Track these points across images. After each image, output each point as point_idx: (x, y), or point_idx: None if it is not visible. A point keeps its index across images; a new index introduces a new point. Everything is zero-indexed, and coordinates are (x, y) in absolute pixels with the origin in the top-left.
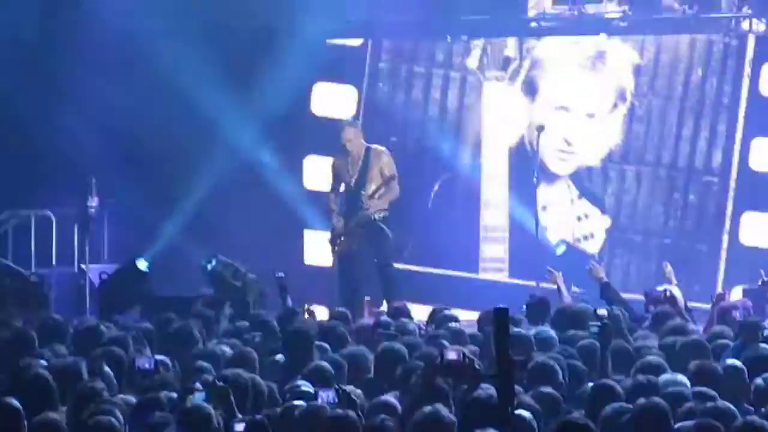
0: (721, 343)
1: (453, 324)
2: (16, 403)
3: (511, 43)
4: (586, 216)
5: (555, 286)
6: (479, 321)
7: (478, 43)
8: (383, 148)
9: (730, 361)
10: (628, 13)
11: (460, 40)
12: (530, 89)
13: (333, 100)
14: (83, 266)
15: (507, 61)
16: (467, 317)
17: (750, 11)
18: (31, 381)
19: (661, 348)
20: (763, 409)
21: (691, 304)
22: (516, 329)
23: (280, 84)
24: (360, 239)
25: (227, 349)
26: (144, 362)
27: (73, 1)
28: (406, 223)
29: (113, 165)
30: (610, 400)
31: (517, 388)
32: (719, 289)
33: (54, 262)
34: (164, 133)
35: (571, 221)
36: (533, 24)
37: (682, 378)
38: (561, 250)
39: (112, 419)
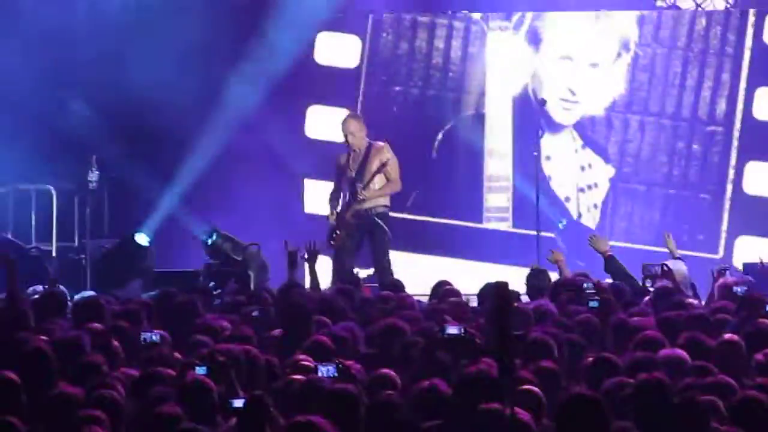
0: (722, 318)
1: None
2: (14, 376)
3: None
4: (590, 166)
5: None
6: (479, 295)
7: None
8: (384, 143)
9: (726, 335)
10: None
11: None
12: (534, 39)
13: (337, 50)
14: (83, 240)
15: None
16: (471, 267)
17: None
18: (30, 355)
19: (660, 322)
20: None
21: (696, 254)
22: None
23: (284, 34)
24: (353, 231)
25: (227, 324)
26: (150, 335)
27: None
28: (410, 173)
29: (114, 138)
30: (610, 375)
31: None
32: (722, 241)
33: (54, 237)
34: (166, 103)
35: (574, 171)
36: None
37: (681, 353)
38: (562, 224)
39: (114, 393)
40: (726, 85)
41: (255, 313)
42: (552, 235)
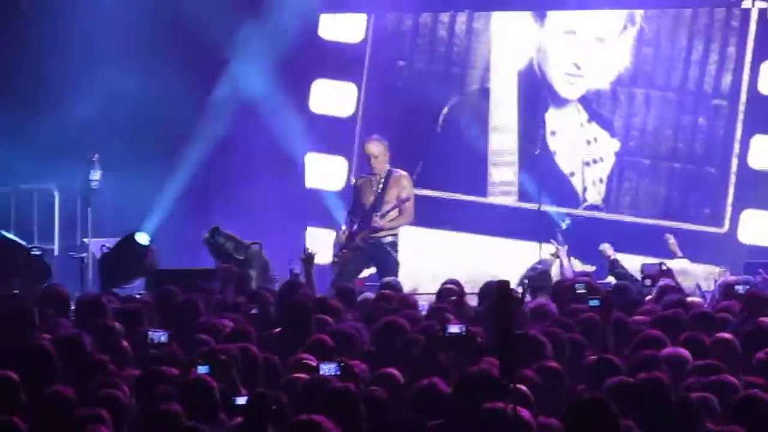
0: (724, 317)
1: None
2: (13, 375)
3: None
4: (596, 140)
5: (557, 260)
6: (480, 294)
7: None
8: (404, 173)
9: (720, 334)
10: None
11: None
12: (539, 13)
13: (342, 25)
14: (85, 240)
15: None
16: (475, 241)
17: None
18: (33, 353)
19: (663, 321)
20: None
21: (701, 228)
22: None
23: (289, 10)
24: (359, 256)
25: (229, 323)
26: (158, 335)
27: None
28: (415, 147)
29: (116, 138)
30: (611, 374)
31: None
32: (728, 214)
33: (56, 236)
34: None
35: (580, 145)
36: None
37: (683, 351)
38: (566, 224)
39: (118, 393)
40: (731, 58)
41: (253, 311)
42: (555, 209)
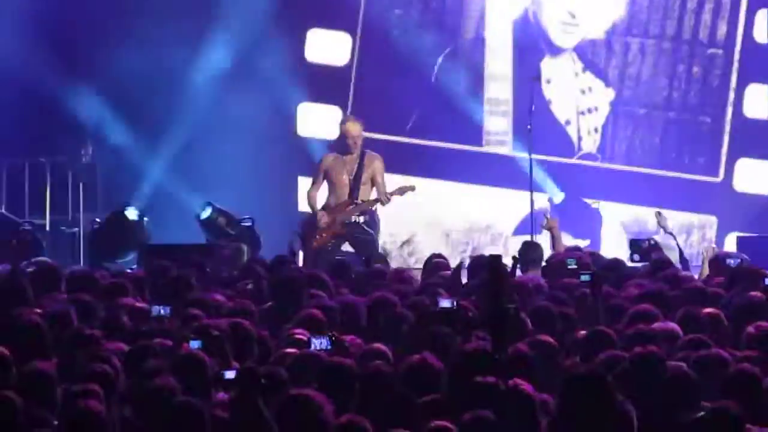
0: (716, 291)
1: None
2: (3, 350)
3: None
4: (590, 89)
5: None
6: (469, 268)
7: None
8: (376, 154)
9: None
10: None
11: None
12: None
13: None
14: (77, 214)
15: None
16: (470, 191)
17: None
18: (24, 328)
19: (655, 296)
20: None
21: (696, 177)
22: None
23: None
24: (337, 239)
25: (221, 298)
26: (158, 309)
27: None
28: (410, 97)
29: (108, 112)
30: (604, 348)
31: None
32: (723, 163)
33: (48, 211)
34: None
35: (575, 94)
36: None
37: (674, 326)
38: (557, 199)
39: (107, 366)
40: (726, 7)
41: (249, 287)
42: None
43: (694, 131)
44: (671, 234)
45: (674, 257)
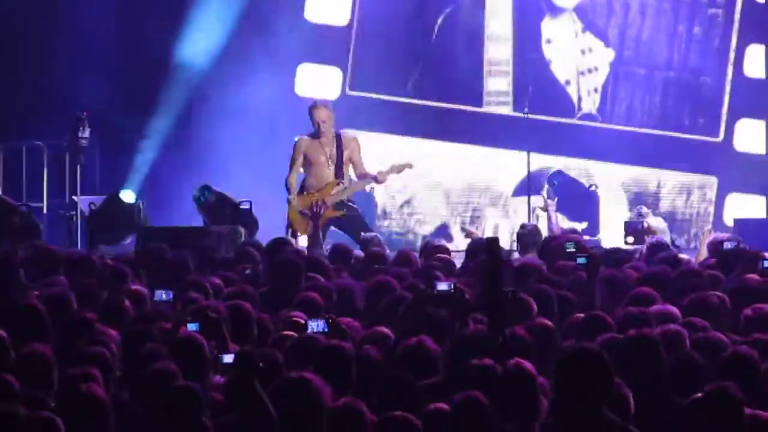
0: (713, 274)
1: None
2: (1, 332)
3: None
4: (590, 50)
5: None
6: (468, 251)
7: None
8: (353, 134)
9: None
10: None
11: None
12: None
13: None
14: (74, 197)
15: None
16: (470, 151)
17: None
18: (21, 311)
19: (652, 278)
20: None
21: (697, 138)
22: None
23: None
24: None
25: (218, 281)
26: (160, 293)
27: None
28: (410, 57)
29: (106, 94)
30: (601, 331)
31: None
32: (723, 124)
33: (45, 194)
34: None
35: (575, 55)
36: None
37: (672, 309)
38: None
39: (104, 350)
40: None
41: (248, 271)
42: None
43: (694, 91)
44: (661, 216)
45: (667, 239)
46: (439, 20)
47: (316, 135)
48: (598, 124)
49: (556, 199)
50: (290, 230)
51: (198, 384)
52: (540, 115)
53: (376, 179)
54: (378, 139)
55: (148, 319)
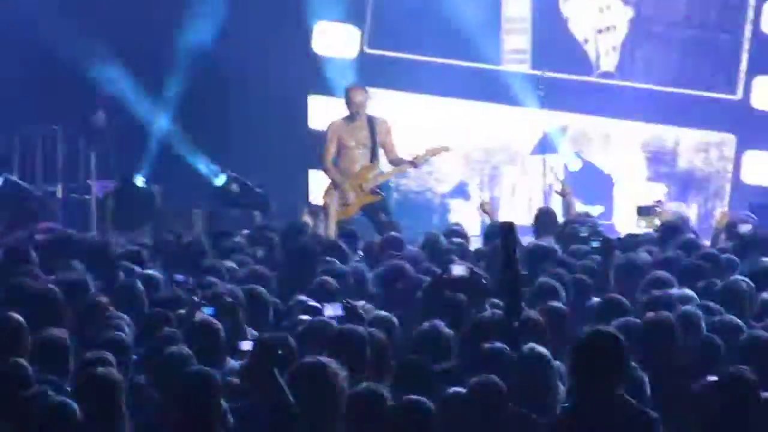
0: (730, 258)
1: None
2: (19, 317)
3: None
4: (609, 7)
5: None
6: (485, 235)
7: None
8: (384, 118)
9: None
10: None
11: None
12: None
13: None
14: (89, 182)
15: None
16: (488, 109)
17: None
18: (37, 296)
19: (670, 262)
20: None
21: (715, 95)
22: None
23: None
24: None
25: (234, 265)
26: (180, 277)
27: None
28: (428, 15)
29: (121, 78)
30: (617, 315)
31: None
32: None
33: (60, 178)
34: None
35: (593, 12)
36: None
37: (689, 292)
38: (575, 166)
39: (121, 334)
40: None
41: (260, 254)
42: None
43: (712, 49)
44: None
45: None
46: None
47: (351, 118)
48: (617, 82)
49: (571, 186)
50: (323, 205)
51: (214, 368)
52: (558, 73)
53: (414, 164)
54: (396, 98)
55: (165, 304)
